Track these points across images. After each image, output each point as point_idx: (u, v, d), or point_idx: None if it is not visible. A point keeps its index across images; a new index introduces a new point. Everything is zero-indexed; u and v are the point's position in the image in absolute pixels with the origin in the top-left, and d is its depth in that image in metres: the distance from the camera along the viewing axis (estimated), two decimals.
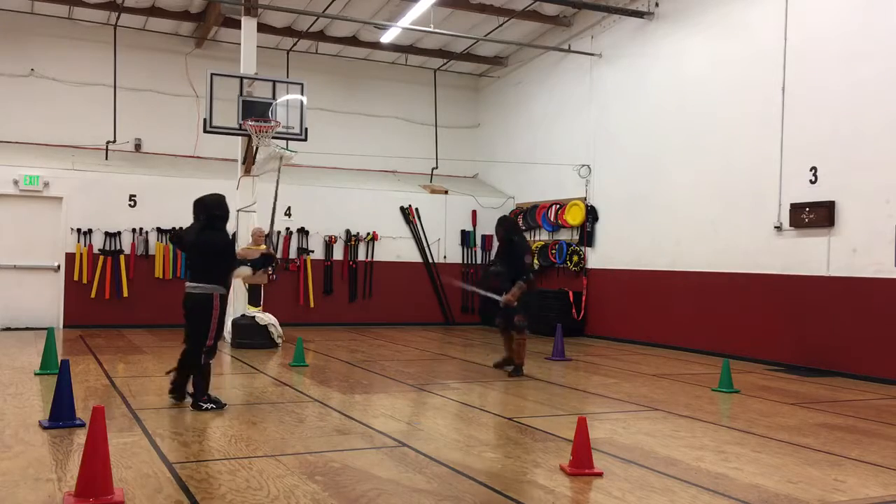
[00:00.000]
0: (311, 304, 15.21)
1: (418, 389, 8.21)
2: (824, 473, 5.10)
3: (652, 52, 13.20)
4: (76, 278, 13.56)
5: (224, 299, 6.85)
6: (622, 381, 9.08)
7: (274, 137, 12.01)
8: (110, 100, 14.77)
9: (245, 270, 6.89)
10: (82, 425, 5.83)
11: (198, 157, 15.33)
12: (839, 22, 10.15)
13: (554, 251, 15.15)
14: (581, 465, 4.90)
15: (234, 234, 12.93)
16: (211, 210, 6.94)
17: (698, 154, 12.14)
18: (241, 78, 12.16)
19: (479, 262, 16.81)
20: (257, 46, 12.82)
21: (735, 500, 4.47)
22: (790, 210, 10.55)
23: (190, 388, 6.83)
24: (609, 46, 14.20)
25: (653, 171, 13.02)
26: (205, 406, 6.67)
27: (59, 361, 6.53)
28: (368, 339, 13.26)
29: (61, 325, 13.41)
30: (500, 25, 14.99)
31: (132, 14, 14.49)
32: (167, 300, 13.71)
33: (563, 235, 15.22)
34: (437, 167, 17.37)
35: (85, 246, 13.67)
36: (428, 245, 16.33)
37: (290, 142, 12.99)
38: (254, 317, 11.61)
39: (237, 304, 12.21)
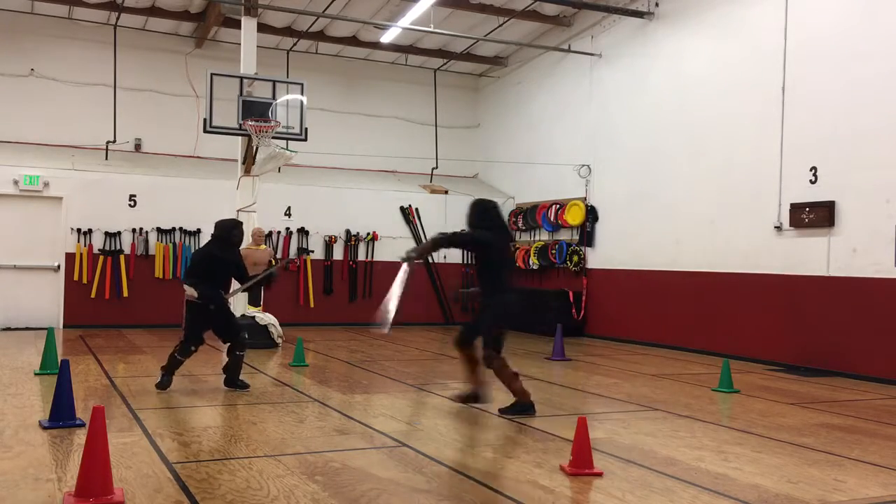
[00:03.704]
0: (311, 304, 15.21)
1: (418, 389, 8.21)
2: (824, 473, 5.10)
3: (652, 52, 13.20)
4: (76, 278, 13.56)
5: None
6: (622, 381, 9.08)
7: (274, 137, 12.01)
8: (110, 100, 14.77)
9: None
10: (82, 425, 5.82)
11: (198, 157, 15.33)
12: (839, 22, 10.15)
13: (554, 251, 15.15)
14: (581, 465, 4.90)
15: None
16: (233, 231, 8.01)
17: (698, 154, 12.14)
18: (241, 78, 12.16)
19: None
20: (257, 46, 12.82)
21: (735, 500, 4.47)
22: (790, 210, 10.55)
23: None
24: (609, 46, 14.20)
25: (653, 170, 13.01)
26: (244, 381, 7.99)
27: (59, 361, 6.53)
28: (368, 339, 13.25)
29: (61, 325, 13.41)
30: (500, 25, 14.99)
31: (132, 14, 14.49)
32: (167, 300, 13.74)
33: (563, 235, 15.22)
34: (437, 167, 17.37)
35: (85, 246, 13.68)
36: None
37: (290, 142, 12.99)
38: (254, 317, 11.61)
39: (237, 304, 12.21)
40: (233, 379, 7.91)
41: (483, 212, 7.07)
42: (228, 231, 7.88)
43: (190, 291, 7.62)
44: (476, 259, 7.12)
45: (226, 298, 7.83)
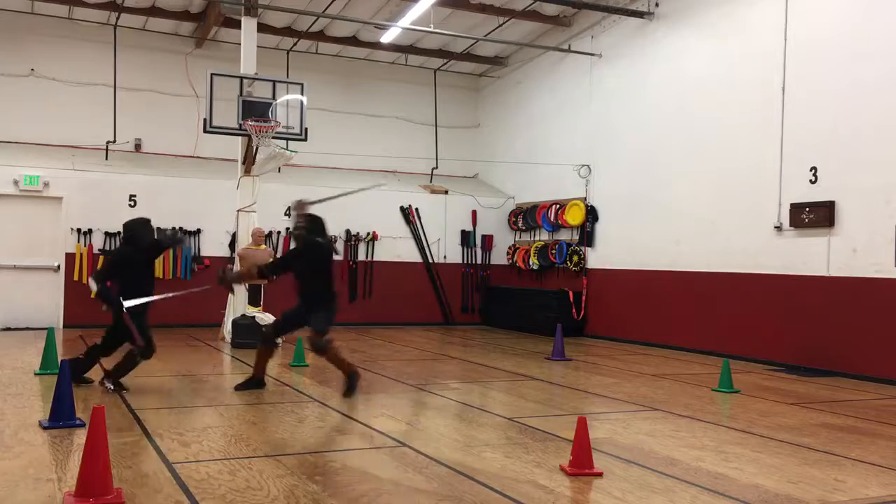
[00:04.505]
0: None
1: (418, 389, 8.21)
2: (824, 473, 5.10)
3: (652, 52, 13.20)
4: (76, 278, 13.54)
5: None
6: (622, 381, 9.08)
7: (274, 137, 12.01)
8: (110, 100, 14.77)
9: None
10: (82, 425, 5.82)
11: (198, 157, 15.32)
12: (839, 22, 10.15)
13: (554, 251, 15.16)
14: (581, 465, 4.90)
15: (234, 234, 12.95)
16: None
17: (698, 154, 12.14)
18: (241, 78, 12.16)
19: (478, 261, 16.81)
20: (257, 46, 12.82)
21: (735, 500, 4.47)
22: (790, 210, 10.55)
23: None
24: (609, 46, 14.20)
25: (653, 170, 13.01)
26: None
27: (59, 361, 6.53)
28: (368, 339, 13.26)
29: (61, 325, 13.40)
30: (500, 25, 14.99)
31: (132, 14, 14.49)
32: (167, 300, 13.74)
33: (563, 235, 15.22)
34: (437, 167, 17.37)
35: (85, 246, 13.67)
36: (428, 245, 16.33)
37: (290, 142, 12.99)
38: (254, 317, 11.61)
39: (237, 304, 12.23)
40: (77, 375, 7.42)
41: (313, 222, 7.98)
42: (137, 231, 7.80)
43: (92, 285, 7.55)
44: (310, 265, 7.96)
45: (122, 305, 7.54)
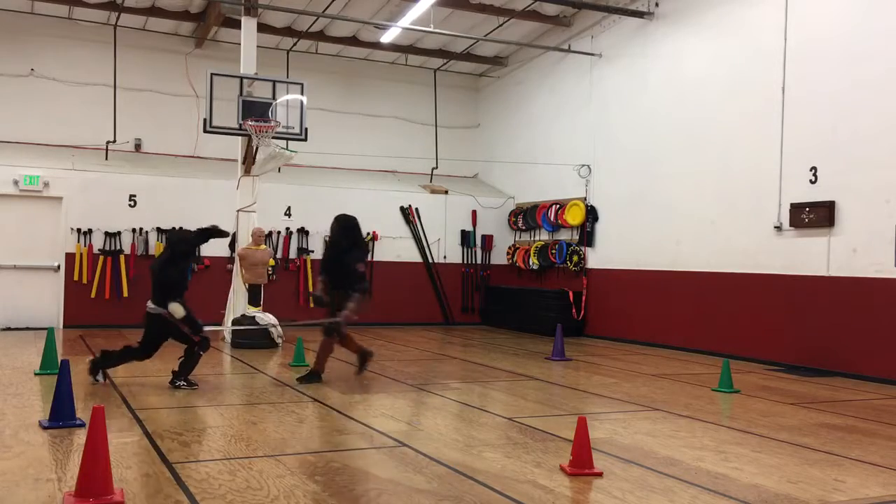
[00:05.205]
0: (311, 305, 15.19)
1: (418, 389, 8.21)
2: (824, 473, 5.10)
3: (652, 52, 13.20)
4: (76, 278, 13.56)
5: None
6: (622, 381, 9.08)
7: (274, 137, 12.02)
8: (110, 100, 14.78)
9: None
10: (82, 425, 5.82)
11: (198, 157, 15.33)
12: (839, 22, 10.15)
13: (554, 251, 15.16)
14: (581, 465, 4.90)
15: (234, 234, 12.94)
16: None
17: (698, 154, 12.14)
18: (241, 78, 12.17)
19: (478, 261, 16.81)
20: (257, 46, 12.82)
21: (735, 500, 4.47)
22: (790, 210, 10.55)
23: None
24: (609, 46, 14.20)
25: (653, 170, 13.02)
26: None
27: (59, 361, 6.53)
28: (368, 339, 13.23)
29: (61, 325, 13.41)
30: (500, 25, 14.99)
31: (132, 14, 14.49)
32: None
33: (563, 235, 15.22)
34: (437, 167, 17.37)
35: (85, 246, 13.68)
36: (428, 245, 16.33)
37: (290, 142, 12.99)
38: (254, 317, 11.61)
39: (237, 304, 12.23)
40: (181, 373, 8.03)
41: (355, 229, 8.71)
42: (191, 243, 8.15)
43: (178, 312, 7.72)
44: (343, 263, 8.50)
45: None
